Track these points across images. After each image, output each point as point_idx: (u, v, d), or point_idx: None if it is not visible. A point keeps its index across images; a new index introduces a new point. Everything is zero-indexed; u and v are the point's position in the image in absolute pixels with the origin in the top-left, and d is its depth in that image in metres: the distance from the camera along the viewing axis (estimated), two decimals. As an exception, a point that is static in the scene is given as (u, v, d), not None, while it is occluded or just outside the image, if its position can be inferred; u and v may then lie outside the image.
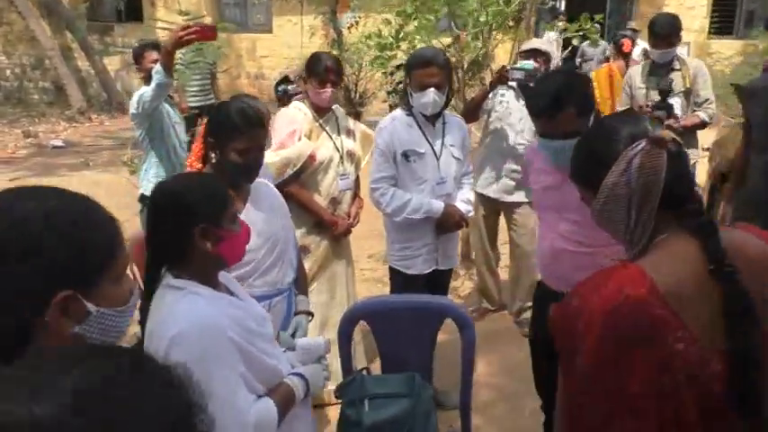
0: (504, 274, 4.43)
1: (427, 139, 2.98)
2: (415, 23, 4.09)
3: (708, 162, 4.70)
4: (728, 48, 12.07)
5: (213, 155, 2.15)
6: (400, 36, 4.22)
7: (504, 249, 4.40)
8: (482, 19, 3.94)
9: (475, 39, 4.22)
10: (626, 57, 8.26)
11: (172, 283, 1.59)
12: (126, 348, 0.97)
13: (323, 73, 3.09)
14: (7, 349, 0.89)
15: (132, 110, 3.70)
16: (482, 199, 3.98)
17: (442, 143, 3.00)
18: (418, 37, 4.12)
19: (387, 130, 2.98)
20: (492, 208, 4.00)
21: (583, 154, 1.36)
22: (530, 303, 4.05)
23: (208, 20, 10.15)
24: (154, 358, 0.76)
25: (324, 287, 3.28)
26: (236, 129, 2.10)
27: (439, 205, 2.95)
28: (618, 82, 6.02)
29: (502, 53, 5.77)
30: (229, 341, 1.53)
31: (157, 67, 3.28)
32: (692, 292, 1.13)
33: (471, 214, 3.12)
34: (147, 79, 3.81)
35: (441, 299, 2.71)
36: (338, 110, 3.33)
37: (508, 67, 3.64)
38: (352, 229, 3.37)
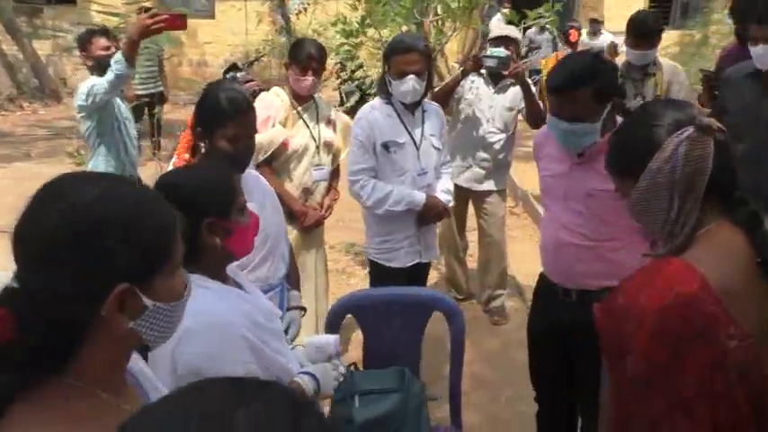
0: (471, 263, 4.44)
1: (407, 129, 2.91)
2: (383, 9, 4.00)
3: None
4: (666, 38, 12.44)
5: (202, 144, 2.04)
6: (366, 22, 4.14)
7: (471, 237, 4.41)
8: (453, 5, 3.89)
9: (439, 27, 4.19)
10: (573, 46, 8.45)
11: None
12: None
13: (305, 60, 3.00)
14: (61, 347, 0.88)
15: (80, 101, 3.46)
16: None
17: (422, 133, 2.94)
18: (395, 22, 4.04)
19: (365, 120, 2.90)
20: (461, 197, 3.99)
21: (622, 141, 1.31)
22: (499, 292, 4.10)
23: (148, 4, 9.75)
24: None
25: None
26: (225, 115, 2.01)
27: (420, 197, 2.90)
28: None
29: (453, 43, 5.78)
30: (242, 339, 1.47)
31: (118, 56, 3.10)
32: (740, 287, 1.11)
33: (452, 204, 3.08)
34: (97, 68, 3.62)
35: (430, 291, 2.67)
36: (320, 99, 3.25)
37: (481, 54, 3.61)
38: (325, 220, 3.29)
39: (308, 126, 3.11)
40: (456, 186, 3.93)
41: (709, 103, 3.46)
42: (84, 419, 0.88)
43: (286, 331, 2.15)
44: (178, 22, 2.83)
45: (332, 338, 1.89)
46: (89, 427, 0.88)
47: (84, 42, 3.83)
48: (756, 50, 2.69)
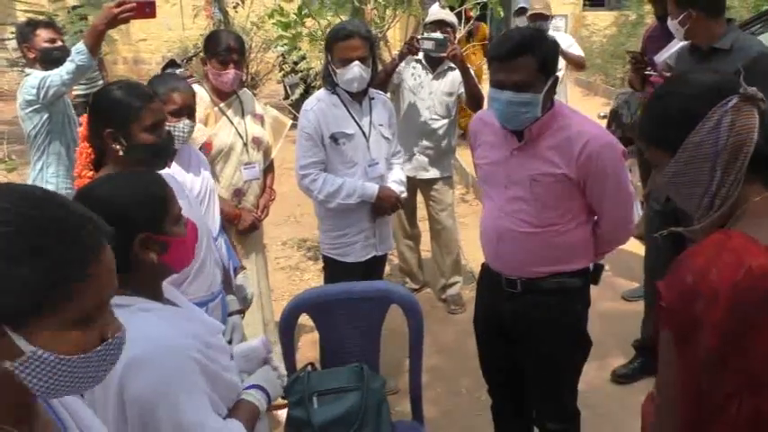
0: (425, 252, 4.41)
1: (355, 119, 2.83)
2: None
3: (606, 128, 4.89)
4: (602, 19, 12.72)
5: (119, 146, 1.87)
6: (303, 12, 4.03)
7: (423, 227, 4.37)
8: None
9: (380, 14, 4.12)
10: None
11: (115, 301, 1.39)
12: None
13: (224, 53, 2.86)
14: None
15: (28, 95, 3.22)
16: None
17: (371, 122, 2.87)
18: (333, 11, 3.94)
19: (312, 111, 2.80)
20: (409, 186, 3.94)
21: (662, 110, 1.23)
22: (453, 280, 4.08)
23: (73, 1, 9.36)
24: None
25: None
26: (135, 106, 1.86)
27: (373, 188, 2.83)
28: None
29: (397, 31, 5.73)
30: (193, 362, 1.36)
31: (79, 46, 2.90)
32: None
33: (405, 195, 3.02)
34: (42, 61, 3.41)
35: (387, 284, 2.61)
36: (245, 93, 3.10)
37: (417, 37, 3.56)
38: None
39: (231, 123, 2.97)
40: None
41: (640, 85, 3.52)
42: None
43: (230, 341, 2.06)
44: (147, 10, 2.62)
45: (258, 342, 1.77)
46: None
47: (25, 34, 3.57)
48: (672, 25, 2.80)
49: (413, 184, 3.91)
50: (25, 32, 3.59)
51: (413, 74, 3.76)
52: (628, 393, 3.17)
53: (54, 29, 3.66)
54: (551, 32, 3.92)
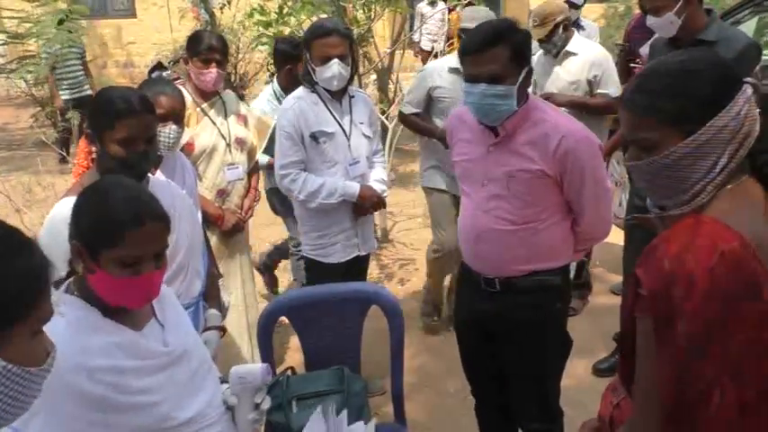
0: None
1: (335, 118, 2.79)
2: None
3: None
4: (592, 11, 12.66)
5: (94, 149, 1.85)
6: (284, 11, 3.99)
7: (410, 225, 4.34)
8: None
9: (365, 12, 4.08)
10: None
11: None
12: None
13: (206, 52, 2.84)
14: None
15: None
16: None
17: (351, 121, 2.83)
18: (307, 11, 3.90)
19: (291, 110, 2.76)
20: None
21: (684, 89, 1.18)
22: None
23: (61, 5, 9.30)
24: None
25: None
26: (112, 115, 1.80)
27: (354, 187, 2.78)
28: None
29: (380, 27, 5.69)
30: (64, 383, 1.28)
31: None
32: None
33: (386, 194, 2.99)
34: None
35: (366, 285, 2.59)
36: (228, 94, 3.07)
37: None
38: (249, 221, 3.14)
39: (214, 123, 2.94)
40: None
41: (624, 76, 3.49)
42: None
43: None
44: None
45: (259, 368, 1.65)
46: None
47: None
48: (650, 20, 2.73)
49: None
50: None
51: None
52: (612, 387, 3.14)
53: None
54: (580, 36, 3.75)
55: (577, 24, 4.56)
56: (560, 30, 3.55)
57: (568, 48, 3.58)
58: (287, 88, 3.36)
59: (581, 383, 3.16)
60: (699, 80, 1.17)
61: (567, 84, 3.58)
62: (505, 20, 2.09)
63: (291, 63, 3.45)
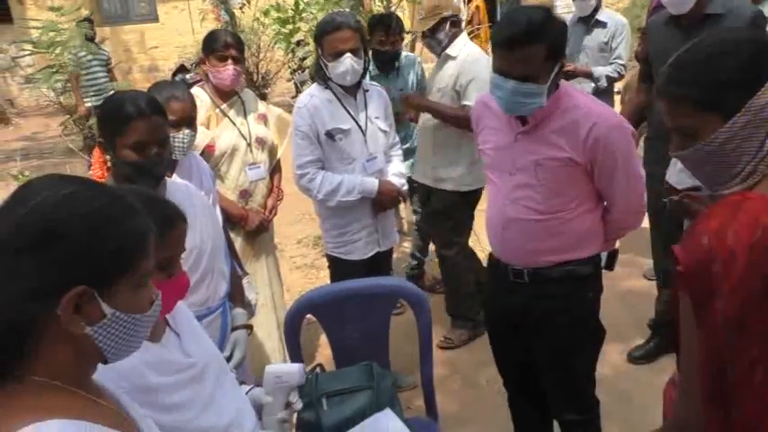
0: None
1: (350, 114, 2.75)
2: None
3: (620, 105, 4.75)
4: (617, -7, 12.43)
5: (108, 157, 1.83)
6: (301, 8, 3.97)
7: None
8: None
9: (384, 3, 4.04)
10: None
11: None
12: None
13: (222, 49, 2.83)
14: (9, 344, 0.86)
15: None
16: None
17: (366, 116, 2.79)
18: (318, 7, 3.88)
19: (305, 109, 2.73)
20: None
21: (716, 73, 1.16)
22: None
23: (84, 13, 9.43)
24: None
25: (243, 290, 3.01)
26: (123, 120, 1.77)
27: (373, 183, 2.75)
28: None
29: (405, 20, 5.65)
30: None
31: None
32: None
33: (406, 188, 2.95)
34: None
35: (391, 279, 2.56)
36: (246, 93, 3.05)
37: None
38: (274, 219, 3.12)
39: (234, 123, 2.92)
40: None
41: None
42: (54, 409, 0.86)
43: (229, 358, 1.97)
44: None
45: (295, 368, 1.64)
46: (62, 417, 0.86)
47: None
48: None
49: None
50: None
51: None
52: (648, 374, 3.08)
53: None
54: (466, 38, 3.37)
55: (596, 21, 4.25)
56: (447, 26, 3.20)
57: (448, 50, 3.23)
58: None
59: (617, 371, 3.11)
60: (727, 63, 1.15)
61: (435, 90, 3.29)
62: (540, 9, 1.91)
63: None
